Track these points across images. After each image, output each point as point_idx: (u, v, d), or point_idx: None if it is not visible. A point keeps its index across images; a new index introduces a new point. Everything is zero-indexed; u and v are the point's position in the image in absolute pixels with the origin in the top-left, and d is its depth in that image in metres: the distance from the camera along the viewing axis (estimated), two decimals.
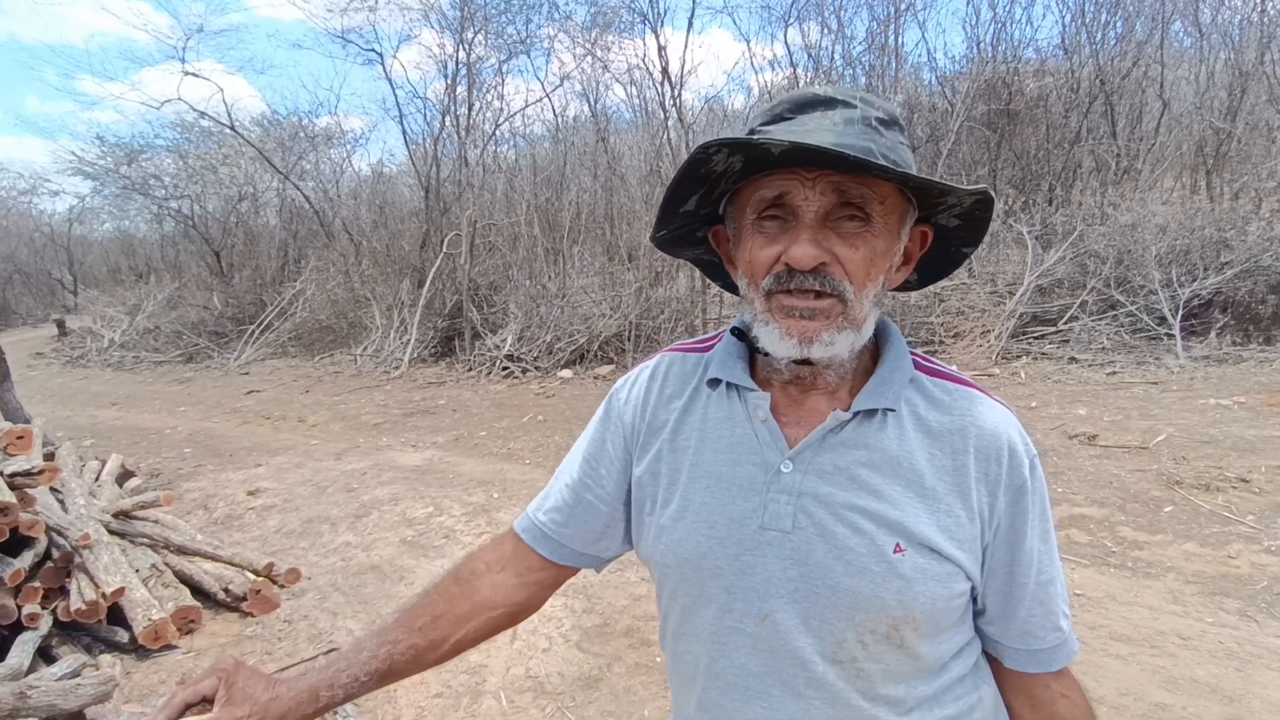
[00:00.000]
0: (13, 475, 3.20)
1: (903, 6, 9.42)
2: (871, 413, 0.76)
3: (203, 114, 14.97)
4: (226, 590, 3.32)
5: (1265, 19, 8.48)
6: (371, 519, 4.44)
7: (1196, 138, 8.77)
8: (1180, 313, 6.73)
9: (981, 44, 9.97)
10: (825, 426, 0.75)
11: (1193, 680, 2.43)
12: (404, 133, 15.18)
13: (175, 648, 3.00)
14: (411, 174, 14.45)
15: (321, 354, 11.91)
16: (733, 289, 0.90)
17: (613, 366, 8.78)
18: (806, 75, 10.46)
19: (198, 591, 3.32)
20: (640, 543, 0.88)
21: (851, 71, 10.30)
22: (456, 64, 11.99)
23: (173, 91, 19.01)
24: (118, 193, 19.22)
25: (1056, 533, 0.80)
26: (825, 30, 10.45)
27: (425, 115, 14.37)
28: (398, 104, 15.14)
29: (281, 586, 3.50)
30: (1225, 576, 3.09)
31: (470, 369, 9.54)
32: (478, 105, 12.27)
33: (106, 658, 2.83)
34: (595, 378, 8.54)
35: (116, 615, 3.02)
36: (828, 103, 0.72)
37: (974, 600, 0.80)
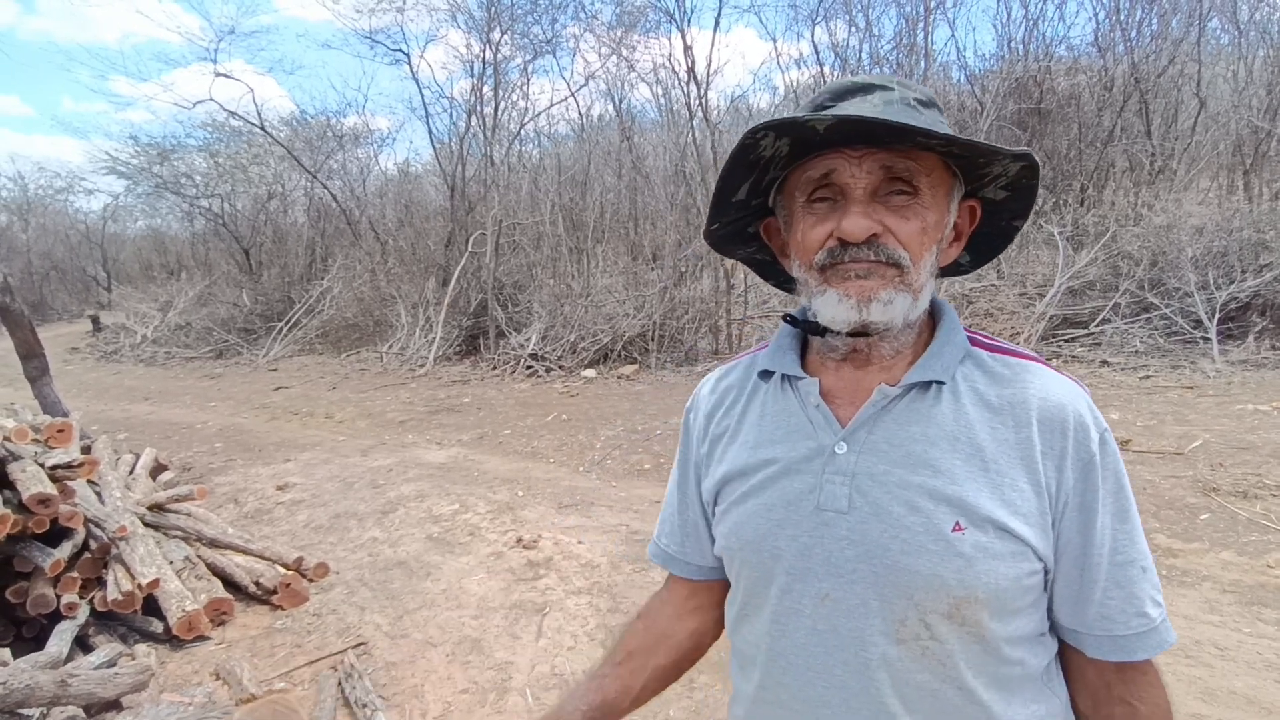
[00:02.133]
0: (53, 468, 3.27)
1: (932, 4, 9.31)
2: (926, 387, 0.76)
3: (233, 114, 15.25)
4: (257, 583, 3.37)
5: None
6: (398, 515, 4.49)
7: (1234, 137, 8.56)
8: (1217, 316, 6.58)
9: (1013, 42, 9.85)
10: (874, 403, 0.76)
11: (1230, 691, 2.38)
12: (430, 132, 15.35)
13: (208, 638, 3.06)
14: (437, 173, 14.60)
15: (348, 351, 12.06)
16: (785, 288, 0.92)
17: (636, 366, 8.79)
18: (833, 74, 10.38)
19: (229, 584, 3.38)
20: (716, 537, 0.90)
21: (880, 70, 10.21)
22: (483, 64, 12.08)
23: (204, 92, 19.50)
24: (150, 191, 19.66)
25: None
26: (853, 29, 10.38)
27: (451, 115, 14.52)
28: (424, 104, 15.33)
29: (310, 580, 3.55)
30: (1264, 586, 3.01)
31: (494, 367, 9.60)
32: (503, 105, 12.34)
33: (141, 647, 2.89)
34: (619, 377, 8.56)
35: (151, 606, 3.08)
36: (866, 88, 0.74)
37: (1046, 586, 0.76)
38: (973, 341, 0.80)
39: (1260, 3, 8.82)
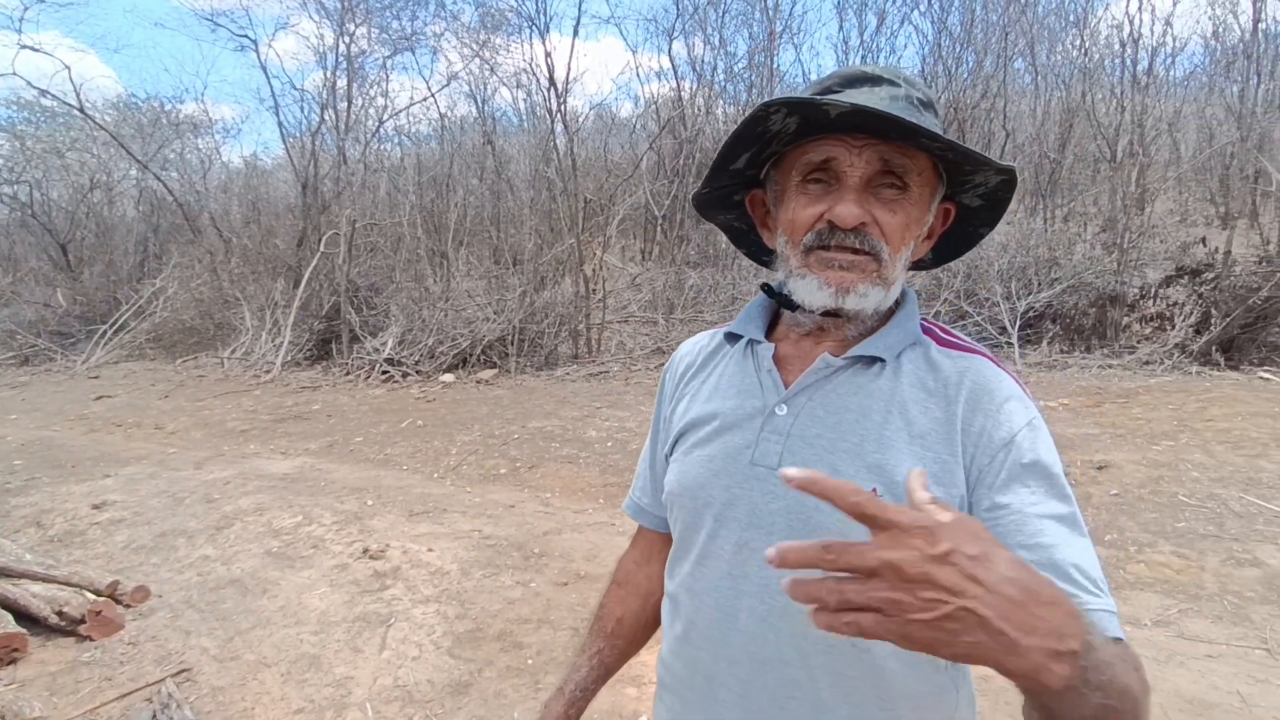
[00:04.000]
0: None
1: (779, 29, 9.91)
2: (870, 363, 0.79)
3: (44, 92, 13.65)
4: (60, 613, 3.08)
5: (1088, 61, 9.53)
6: (233, 530, 4.23)
7: (1034, 165, 9.73)
8: (1018, 323, 7.45)
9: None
10: (816, 370, 0.80)
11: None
12: (280, 125, 14.45)
13: None
14: (288, 168, 13.76)
15: (184, 357, 11.14)
16: (755, 257, 0.97)
17: (496, 370, 8.72)
18: (692, 88, 10.79)
19: (22, 616, 3.06)
20: (664, 485, 0.93)
21: (734, 86, 10.73)
22: (336, 56, 11.55)
23: (7, 65, 17.19)
24: None
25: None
26: (708, 45, 10.83)
27: (303, 108, 13.76)
28: (273, 94, 14.46)
29: (127, 606, 3.29)
30: None
31: (348, 373, 9.20)
32: (360, 101, 11.86)
33: None
34: (478, 382, 8.45)
35: None
36: (875, 79, 0.77)
37: None
38: (927, 332, 0.83)
39: (1054, 49, 10.08)
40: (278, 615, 3.24)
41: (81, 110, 13.69)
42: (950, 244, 0.91)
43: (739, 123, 0.77)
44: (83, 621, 3.05)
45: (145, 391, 9.23)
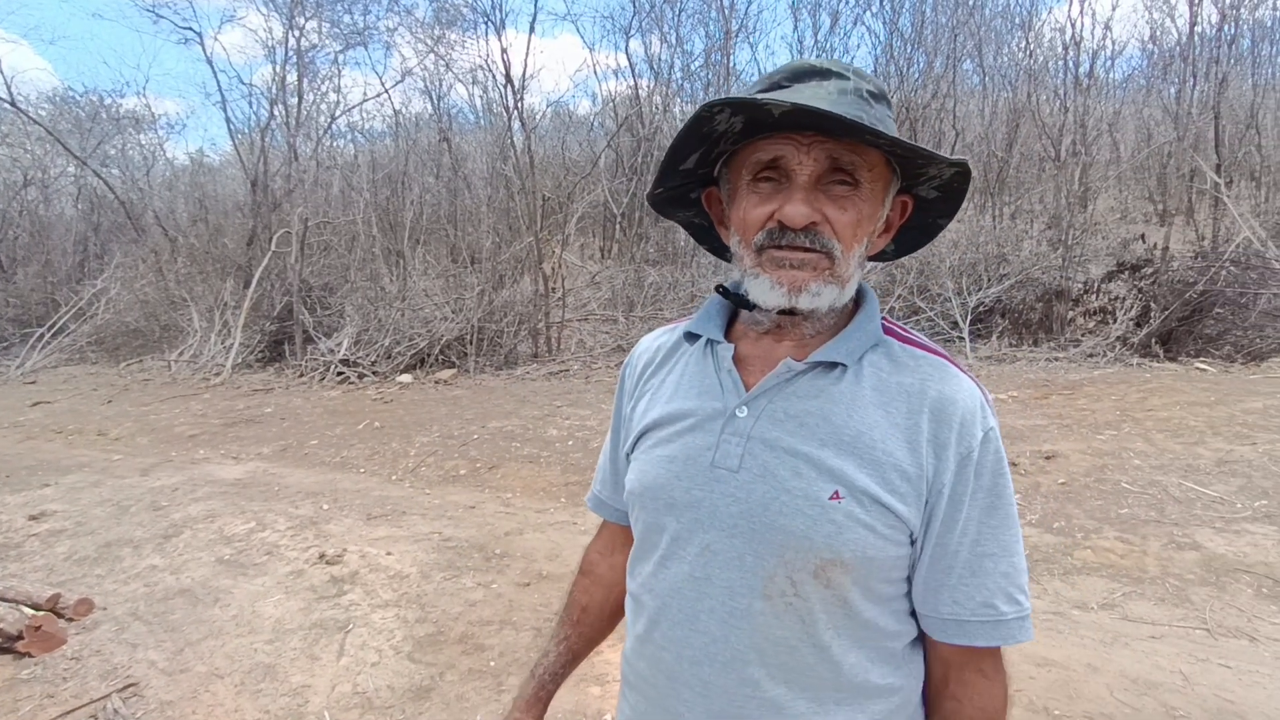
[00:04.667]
0: None
1: (735, 28, 9.99)
2: (831, 366, 0.79)
3: None
4: None
5: (1033, 63, 9.83)
6: (183, 539, 4.10)
7: (983, 164, 9.99)
8: (969, 318, 7.64)
9: None
10: (778, 374, 0.80)
11: None
12: (228, 121, 14.07)
13: None
14: (237, 166, 13.38)
15: (129, 360, 10.76)
16: (718, 253, 0.95)
17: (454, 370, 8.62)
18: (649, 86, 10.81)
19: None
20: (625, 483, 0.93)
21: (691, 85, 10.78)
22: (286, 50, 11.26)
23: None
24: None
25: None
26: (665, 43, 10.86)
27: (252, 103, 13.39)
28: (220, 89, 14.10)
29: (70, 620, 3.16)
30: None
31: (301, 375, 8.99)
32: (311, 96, 11.59)
33: None
34: (436, 382, 8.34)
35: None
36: (823, 73, 0.76)
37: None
38: (888, 331, 0.83)
39: (1000, 51, 10.36)
40: (230, 625, 3.16)
41: (13, 104, 13.12)
42: (911, 235, 0.91)
43: (684, 123, 0.76)
44: (20, 638, 2.93)
45: (87, 396, 8.89)
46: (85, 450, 6.39)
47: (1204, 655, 2.66)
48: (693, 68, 10.75)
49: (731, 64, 10.61)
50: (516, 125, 9.65)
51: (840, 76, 0.76)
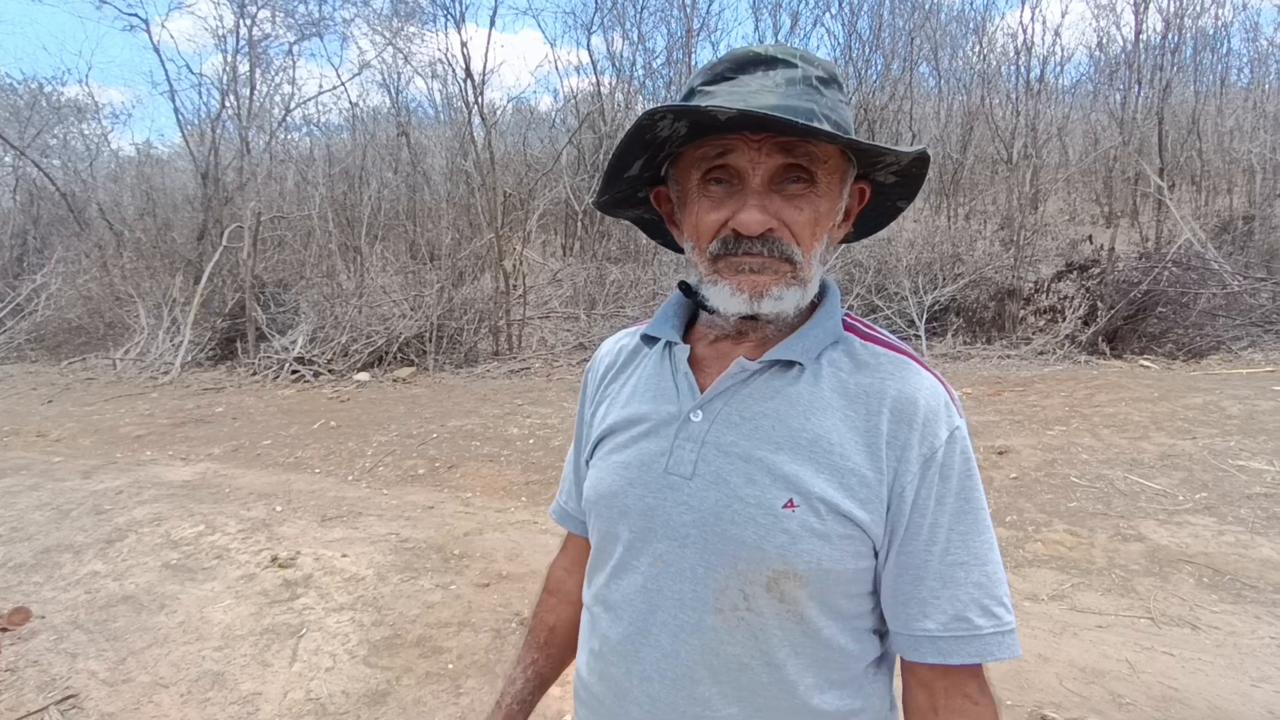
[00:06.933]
0: None
1: (696, 26, 10.03)
2: (789, 366, 0.75)
3: None
4: None
5: (987, 67, 10.07)
6: (127, 543, 3.95)
7: (938, 165, 10.19)
8: (925, 316, 7.80)
9: None
10: (731, 374, 0.76)
11: None
12: (176, 112, 13.61)
13: None
14: (186, 158, 12.97)
15: (71, 358, 10.35)
16: (673, 246, 0.90)
17: (413, 369, 8.49)
18: (611, 83, 10.78)
19: None
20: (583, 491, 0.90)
21: (653, 82, 10.79)
22: (238, 39, 10.95)
23: None
24: None
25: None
26: (627, 40, 10.85)
27: (202, 93, 12.99)
28: (168, 79, 13.44)
29: (5, 630, 3.03)
30: None
31: (254, 373, 8.76)
32: (264, 87, 11.29)
33: None
34: (395, 380, 8.21)
35: None
36: (769, 62, 0.71)
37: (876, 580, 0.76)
38: (849, 328, 0.79)
39: (955, 55, 10.58)
40: (177, 632, 3.06)
41: None
42: (870, 219, 0.87)
43: (624, 132, 0.72)
44: None
45: (25, 396, 8.53)
46: (23, 452, 6.12)
47: (1149, 644, 2.75)
48: (655, 65, 10.80)
49: (693, 62, 10.65)
50: (477, 120, 9.53)
51: (787, 64, 0.71)
